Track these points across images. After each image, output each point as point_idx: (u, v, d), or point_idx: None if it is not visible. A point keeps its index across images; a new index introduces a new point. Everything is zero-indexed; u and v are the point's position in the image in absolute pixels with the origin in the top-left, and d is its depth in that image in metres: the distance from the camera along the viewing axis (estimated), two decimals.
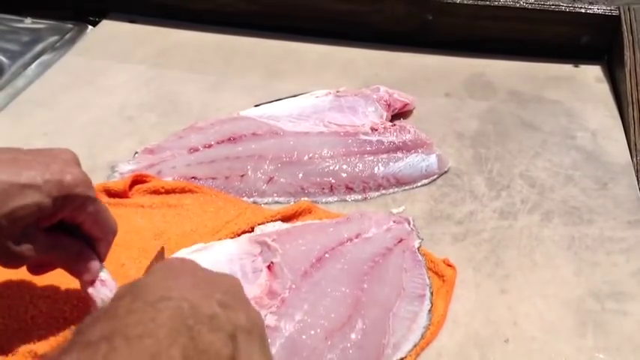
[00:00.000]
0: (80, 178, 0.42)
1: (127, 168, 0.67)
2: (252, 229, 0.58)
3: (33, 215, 0.40)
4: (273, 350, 0.46)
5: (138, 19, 0.96)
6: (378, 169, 0.66)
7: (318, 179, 0.65)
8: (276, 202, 0.64)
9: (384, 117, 0.73)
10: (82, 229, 0.44)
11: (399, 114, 0.76)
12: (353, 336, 0.49)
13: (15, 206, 0.39)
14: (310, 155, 0.67)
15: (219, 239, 0.57)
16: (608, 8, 0.85)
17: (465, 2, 0.86)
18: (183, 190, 0.63)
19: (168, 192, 0.63)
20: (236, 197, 0.63)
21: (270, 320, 0.48)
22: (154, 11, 0.95)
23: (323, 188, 0.65)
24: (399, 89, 0.77)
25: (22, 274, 0.46)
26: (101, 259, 0.46)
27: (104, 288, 0.45)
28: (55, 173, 0.41)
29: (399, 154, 0.68)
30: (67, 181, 0.41)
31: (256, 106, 0.76)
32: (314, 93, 0.76)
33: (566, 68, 0.87)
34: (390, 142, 0.68)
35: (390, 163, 0.67)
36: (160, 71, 0.85)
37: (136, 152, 0.69)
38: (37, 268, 0.46)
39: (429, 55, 0.89)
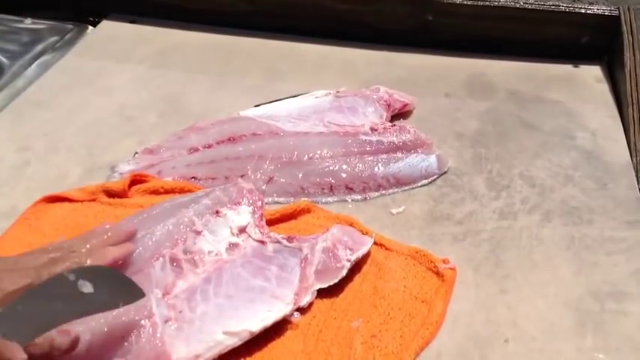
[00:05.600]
0: None
1: (127, 168, 0.67)
2: None
3: None
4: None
5: (138, 20, 0.96)
6: (378, 169, 0.66)
7: (318, 179, 0.65)
8: (276, 202, 0.64)
9: (384, 117, 0.73)
10: None
11: (399, 114, 0.76)
12: None
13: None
14: (310, 155, 0.67)
15: None
16: (608, 8, 0.85)
17: (465, 2, 0.86)
18: (182, 191, 0.63)
19: (167, 192, 0.63)
20: None
21: None
22: (154, 11, 0.95)
23: (323, 188, 0.65)
24: (398, 89, 0.77)
25: None
26: None
27: None
28: None
29: (399, 155, 0.68)
30: None
31: (256, 106, 0.76)
32: (314, 93, 0.76)
33: (566, 68, 0.87)
34: (390, 142, 0.68)
35: (390, 164, 0.67)
36: (160, 71, 0.85)
37: (136, 152, 0.69)
38: None
39: (429, 55, 0.89)
